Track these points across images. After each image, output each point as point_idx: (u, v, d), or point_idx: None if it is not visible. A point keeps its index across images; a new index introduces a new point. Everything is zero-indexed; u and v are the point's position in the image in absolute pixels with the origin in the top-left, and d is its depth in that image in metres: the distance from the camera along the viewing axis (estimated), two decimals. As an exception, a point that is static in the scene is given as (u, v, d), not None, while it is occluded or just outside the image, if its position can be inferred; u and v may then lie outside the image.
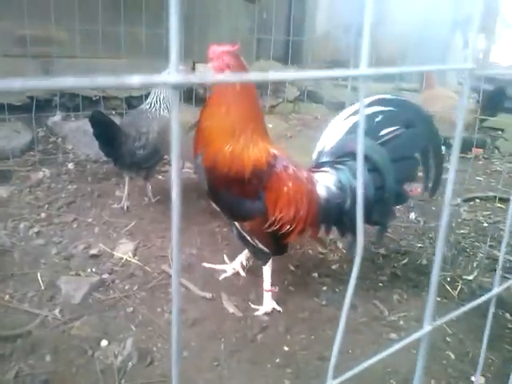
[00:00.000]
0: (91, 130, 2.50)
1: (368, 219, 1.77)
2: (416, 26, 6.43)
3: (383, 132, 1.82)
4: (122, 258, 2.18)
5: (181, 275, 2.08)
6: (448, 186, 0.61)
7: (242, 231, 1.86)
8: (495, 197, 3.31)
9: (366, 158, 1.76)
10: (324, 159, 1.90)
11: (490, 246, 2.61)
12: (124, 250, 2.22)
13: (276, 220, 1.77)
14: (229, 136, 1.74)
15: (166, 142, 2.61)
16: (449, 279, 2.29)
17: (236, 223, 1.86)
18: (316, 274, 2.26)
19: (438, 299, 2.12)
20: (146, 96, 2.93)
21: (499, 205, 3.27)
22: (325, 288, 2.15)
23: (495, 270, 2.40)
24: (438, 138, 1.92)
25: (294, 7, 6.10)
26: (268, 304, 1.94)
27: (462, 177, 3.64)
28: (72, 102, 3.93)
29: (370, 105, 1.82)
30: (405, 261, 2.44)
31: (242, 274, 2.14)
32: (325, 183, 1.84)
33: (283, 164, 1.80)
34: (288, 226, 1.78)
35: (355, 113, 1.85)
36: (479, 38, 8.75)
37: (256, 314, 1.91)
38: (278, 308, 1.96)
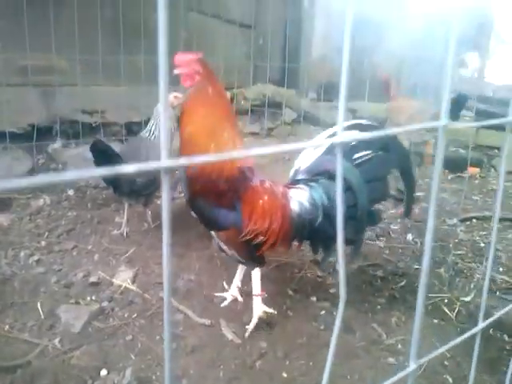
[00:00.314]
0: (91, 156, 2.56)
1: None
2: (411, 45, 6.57)
3: (358, 155, 1.90)
4: (121, 286, 2.20)
5: (179, 302, 2.10)
6: (430, 211, 0.64)
7: (218, 241, 1.95)
8: (492, 216, 3.34)
9: (332, 177, 1.90)
10: (300, 177, 1.99)
11: (489, 267, 2.63)
12: (123, 278, 2.24)
13: (250, 231, 1.84)
14: (211, 135, 1.82)
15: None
16: (446, 301, 2.30)
17: (213, 233, 1.94)
18: (314, 298, 2.27)
19: (436, 321, 2.13)
20: (146, 122, 2.99)
21: (497, 224, 3.30)
22: (323, 312, 2.16)
23: (492, 291, 2.41)
24: (409, 162, 2.01)
25: (289, 30, 6.24)
26: (259, 308, 1.98)
27: (459, 196, 3.69)
28: (72, 128, 4.00)
29: (347, 129, 1.90)
30: (403, 283, 2.46)
31: (240, 298, 2.16)
32: (298, 199, 1.93)
33: (260, 178, 1.92)
34: (261, 238, 1.86)
35: (331, 135, 1.92)
36: (473, 57, 8.89)
37: (251, 325, 1.95)
38: (270, 310, 1.99)
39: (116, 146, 2.98)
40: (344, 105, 0.47)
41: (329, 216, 1.88)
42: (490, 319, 0.79)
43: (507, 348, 1.98)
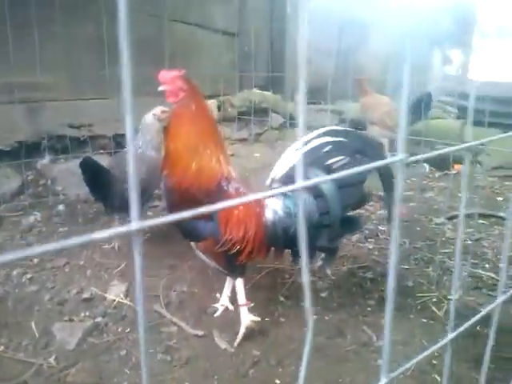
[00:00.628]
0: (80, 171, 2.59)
1: (315, 245, 1.93)
2: (396, 44, 6.65)
3: (331, 161, 1.92)
4: (114, 300, 2.22)
5: (172, 313, 2.13)
6: (394, 222, 0.68)
7: (198, 252, 2.01)
8: (478, 213, 3.40)
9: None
10: (275, 185, 2.02)
11: (474, 264, 2.68)
12: (116, 292, 2.26)
13: (227, 240, 1.89)
14: (193, 153, 1.89)
15: (155, 180, 2.69)
16: (434, 300, 2.35)
17: (192, 244, 2.01)
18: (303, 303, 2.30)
19: (425, 321, 2.18)
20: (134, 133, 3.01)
21: (481, 221, 3.36)
22: (314, 317, 2.20)
23: (479, 289, 2.47)
24: (388, 167, 2.04)
25: (273, 35, 6.29)
26: (246, 318, 2.01)
27: (445, 194, 3.75)
28: (60, 143, 4.00)
29: (321, 135, 1.94)
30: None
31: (231, 307, 2.19)
32: (273, 207, 1.97)
33: (235, 186, 1.96)
34: (238, 247, 1.91)
35: (307, 143, 1.96)
36: (456, 54, 8.98)
37: (239, 335, 1.98)
38: (257, 318, 2.03)
39: (104, 160, 3.01)
40: (302, 144, 0.50)
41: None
42: (459, 329, 0.83)
43: (492, 344, 2.02)
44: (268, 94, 5.43)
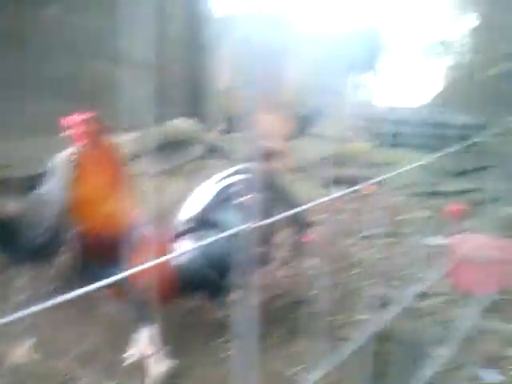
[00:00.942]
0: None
1: (226, 282, 2.00)
2: (311, 72, 7.04)
3: (241, 199, 2.03)
4: (21, 357, 2.14)
5: (84, 366, 2.09)
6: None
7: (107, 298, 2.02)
8: (384, 232, 3.68)
9: (219, 226, 2.00)
10: (183, 227, 2.09)
11: (380, 283, 2.90)
12: (23, 349, 2.18)
13: (136, 286, 1.89)
14: (101, 197, 1.93)
15: (66, 222, 2.65)
16: (342, 322, 2.50)
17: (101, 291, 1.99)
18: (223, 339, 2.35)
19: (332, 344, 2.31)
20: (45, 174, 2.94)
21: (389, 240, 3.64)
22: (231, 352, 2.26)
23: (383, 306, 2.66)
24: (292, 201, 2.20)
25: (193, 65, 6.40)
26: (161, 363, 2.02)
27: (355, 215, 4.01)
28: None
29: (230, 175, 2.05)
30: (301, 310, 2.61)
31: (145, 354, 2.18)
32: (184, 250, 2.04)
33: (144, 231, 1.99)
34: (148, 293, 1.90)
35: (217, 182, 2.06)
36: (369, 77, 9.59)
37: (154, 381, 1.99)
38: (173, 362, 2.04)
39: (15, 205, 2.90)
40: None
41: (214, 265, 2.00)
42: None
43: (396, 359, 2.17)
44: (188, 124, 5.51)
